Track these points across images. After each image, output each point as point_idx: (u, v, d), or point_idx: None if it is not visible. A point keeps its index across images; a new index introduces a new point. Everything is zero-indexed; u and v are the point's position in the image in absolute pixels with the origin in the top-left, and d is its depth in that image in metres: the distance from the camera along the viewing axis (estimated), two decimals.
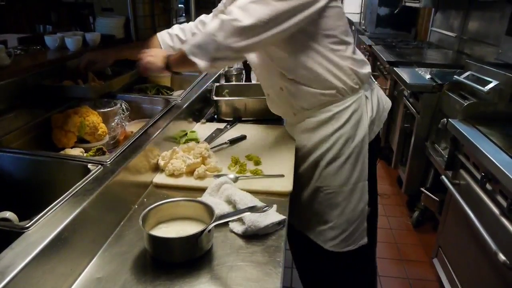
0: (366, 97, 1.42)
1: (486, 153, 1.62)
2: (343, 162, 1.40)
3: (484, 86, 2.07)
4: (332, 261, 1.52)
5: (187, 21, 1.73)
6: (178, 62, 1.31)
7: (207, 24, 1.34)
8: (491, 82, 2.07)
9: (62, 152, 1.30)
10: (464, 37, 3.54)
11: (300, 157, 1.48)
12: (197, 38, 1.23)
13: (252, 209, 0.95)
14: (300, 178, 1.47)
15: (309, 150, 1.45)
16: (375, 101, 1.46)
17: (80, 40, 1.92)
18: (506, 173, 1.46)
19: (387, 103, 1.55)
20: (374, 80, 1.53)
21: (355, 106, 1.38)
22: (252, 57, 1.46)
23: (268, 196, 1.19)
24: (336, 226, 1.45)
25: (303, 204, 1.50)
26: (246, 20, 1.13)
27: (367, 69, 1.42)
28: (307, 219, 1.51)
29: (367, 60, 1.46)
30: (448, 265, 2.08)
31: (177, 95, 2.06)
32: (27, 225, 0.80)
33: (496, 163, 1.53)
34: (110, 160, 1.09)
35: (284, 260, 0.95)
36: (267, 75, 1.48)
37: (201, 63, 1.20)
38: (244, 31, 1.14)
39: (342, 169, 1.41)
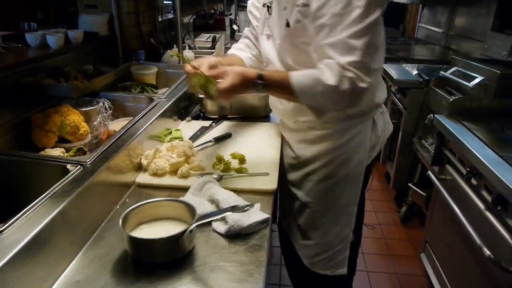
0: (374, 121, 1.35)
1: (471, 148, 1.63)
2: (335, 183, 1.33)
3: (469, 82, 2.08)
4: (309, 277, 1.47)
5: (174, 19, 1.73)
6: (277, 88, 1.17)
7: (324, 77, 1.05)
8: (476, 77, 2.08)
9: (42, 152, 1.27)
10: (451, 33, 3.56)
11: (291, 165, 1.43)
12: (317, 94, 1.09)
13: (234, 208, 0.94)
14: (289, 185, 1.43)
15: (303, 161, 1.38)
16: (381, 125, 1.39)
17: (62, 38, 1.88)
18: (491, 168, 1.47)
19: (389, 128, 1.48)
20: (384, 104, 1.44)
21: (360, 127, 1.31)
22: (268, 52, 1.33)
23: (253, 195, 1.17)
24: (317, 245, 1.41)
25: (290, 212, 1.46)
26: (368, 78, 1.04)
27: (384, 93, 1.36)
28: (292, 227, 1.48)
29: (384, 82, 1.40)
30: (435, 259, 2.09)
31: (162, 93, 2.05)
32: (1, 229, 0.78)
33: (481, 158, 1.54)
34: (90, 160, 1.07)
35: (268, 259, 0.94)
36: None
37: (317, 114, 1.17)
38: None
39: (334, 189, 1.34)
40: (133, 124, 1.36)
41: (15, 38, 1.98)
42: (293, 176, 1.43)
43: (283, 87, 1.13)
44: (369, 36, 1.02)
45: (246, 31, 1.57)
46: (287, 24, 1.17)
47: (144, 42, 2.42)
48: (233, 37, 3.96)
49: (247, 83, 1.12)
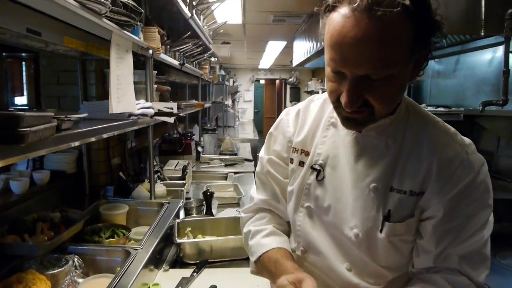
0: None
1: None
2: None
3: None
4: None
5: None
6: None
7: None
8: None
9: None
10: None
11: None
12: None
13: None
14: None
15: None
16: None
17: (27, 182, 1.76)
18: None
19: None
20: None
21: None
22: (315, 237, 1.00)
23: None
24: None
25: None
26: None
27: None
28: None
29: None
30: None
31: (135, 235, 1.90)
32: None
33: None
34: None
35: None
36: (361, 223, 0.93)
37: None
38: None
39: None
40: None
41: None
42: None
43: None
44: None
45: (261, 201, 1.11)
46: (387, 216, 0.90)
47: (113, 177, 2.34)
48: (199, 159, 3.99)
49: None
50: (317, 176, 0.98)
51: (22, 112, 0.83)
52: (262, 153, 1.13)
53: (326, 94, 1.07)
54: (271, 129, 1.13)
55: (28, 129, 0.82)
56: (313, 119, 1.04)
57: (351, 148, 0.95)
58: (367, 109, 0.83)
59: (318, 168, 0.98)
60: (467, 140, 0.92)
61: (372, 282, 0.94)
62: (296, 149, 1.04)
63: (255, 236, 1.05)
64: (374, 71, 0.78)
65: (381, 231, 0.90)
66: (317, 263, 1.00)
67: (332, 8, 0.80)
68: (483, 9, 2.09)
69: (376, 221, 0.90)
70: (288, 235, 1.08)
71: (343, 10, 0.77)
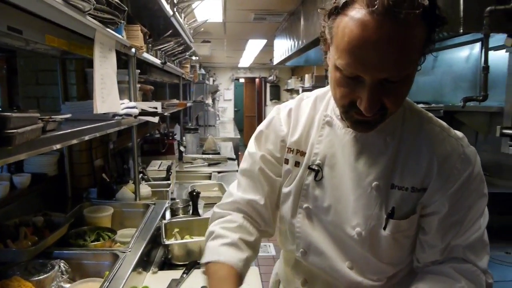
0: None
1: None
2: None
3: None
4: None
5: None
6: None
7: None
8: None
9: None
10: None
11: None
12: None
13: None
14: None
15: None
16: None
17: (7, 186, 1.70)
18: None
19: None
20: None
21: None
22: (316, 238, 0.99)
23: None
24: None
25: None
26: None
27: None
28: None
29: None
30: None
31: (121, 237, 1.87)
32: None
33: None
34: None
35: None
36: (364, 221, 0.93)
37: None
38: None
39: None
40: None
41: None
42: None
43: None
44: None
45: (243, 201, 1.04)
46: (391, 214, 0.90)
47: (96, 179, 2.28)
48: (181, 159, 3.95)
49: None
50: (315, 176, 0.97)
51: (9, 113, 0.79)
52: (253, 149, 1.06)
53: (316, 92, 1.07)
54: (262, 127, 1.08)
55: (15, 130, 0.79)
56: (306, 118, 1.02)
57: (350, 147, 0.94)
58: (380, 112, 0.82)
59: (316, 168, 0.97)
60: (459, 133, 0.94)
61: (375, 279, 0.95)
62: (291, 149, 1.02)
63: (216, 239, 0.97)
64: (396, 74, 0.77)
65: (384, 228, 0.90)
66: (318, 264, 0.99)
67: (341, 11, 0.77)
68: (461, 7, 2.14)
69: (379, 219, 0.91)
70: (255, 248, 1.01)
71: (359, 13, 0.73)
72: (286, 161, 1.03)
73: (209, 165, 3.80)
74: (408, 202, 0.90)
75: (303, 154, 1.00)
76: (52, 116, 1.15)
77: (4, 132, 0.77)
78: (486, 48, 2.00)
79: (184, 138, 4.51)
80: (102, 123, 1.48)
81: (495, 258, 0.94)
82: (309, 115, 1.03)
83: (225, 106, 12.17)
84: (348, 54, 0.77)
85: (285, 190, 1.03)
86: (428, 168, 0.89)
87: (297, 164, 1.01)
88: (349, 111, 0.85)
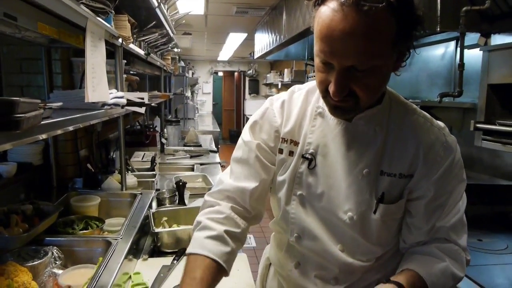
0: None
1: None
2: None
3: None
4: None
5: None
6: None
7: (455, 271, 0.95)
8: None
9: None
10: None
11: None
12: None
13: None
14: None
15: None
16: None
17: None
18: None
19: None
20: None
21: None
22: (310, 224, 1.04)
23: None
24: None
25: None
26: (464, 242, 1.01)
27: None
28: None
29: None
30: None
31: (109, 226, 1.89)
32: None
33: None
34: None
35: None
36: (355, 200, 0.99)
37: None
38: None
39: None
40: (96, 281, 1.20)
41: None
42: None
43: None
44: None
45: (235, 189, 1.06)
46: (380, 199, 0.97)
47: (81, 169, 2.28)
48: (163, 151, 3.95)
49: None
50: (308, 164, 1.02)
51: (17, 98, 0.81)
52: (248, 138, 1.08)
53: (307, 85, 1.13)
54: (256, 117, 1.11)
55: (23, 115, 0.82)
56: (299, 110, 1.07)
57: (342, 137, 1.00)
58: (352, 99, 0.89)
59: (310, 157, 1.02)
60: (441, 123, 1.03)
61: (364, 260, 1.02)
62: (285, 140, 1.06)
63: (202, 230, 0.99)
64: (360, 63, 0.83)
65: (375, 212, 0.97)
66: (312, 247, 1.05)
67: (321, 2, 0.85)
68: (439, 6, 2.24)
69: (369, 204, 0.97)
70: (241, 240, 1.03)
71: (332, 4, 0.81)
72: (280, 151, 1.07)
73: (191, 157, 3.82)
74: (396, 188, 0.97)
75: (296, 144, 1.05)
76: (48, 104, 1.17)
77: (13, 116, 0.79)
78: (462, 46, 2.11)
79: (165, 130, 4.50)
80: (94, 112, 1.50)
81: (468, 245, 1.01)
82: (301, 107, 1.08)
83: (203, 99, 12.11)
84: (320, 41, 0.85)
85: (279, 178, 1.07)
86: (415, 155, 0.96)
87: (291, 153, 1.05)
88: (326, 96, 0.92)
